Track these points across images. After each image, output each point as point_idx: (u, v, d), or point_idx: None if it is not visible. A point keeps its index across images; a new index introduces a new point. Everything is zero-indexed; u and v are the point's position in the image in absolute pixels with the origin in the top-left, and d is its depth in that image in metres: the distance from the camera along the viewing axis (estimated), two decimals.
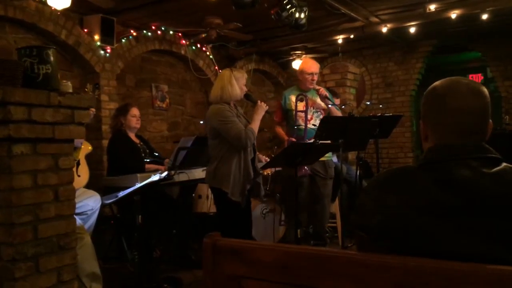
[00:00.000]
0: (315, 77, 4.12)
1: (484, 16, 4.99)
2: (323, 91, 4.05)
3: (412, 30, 5.50)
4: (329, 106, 4.05)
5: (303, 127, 4.04)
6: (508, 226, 1.00)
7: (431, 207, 1.07)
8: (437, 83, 1.22)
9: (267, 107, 3.37)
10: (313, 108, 4.13)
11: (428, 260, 0.97)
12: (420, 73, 7.02)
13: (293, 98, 4.15)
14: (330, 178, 4.17)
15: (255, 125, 3.27)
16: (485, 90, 1.17)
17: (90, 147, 3.75)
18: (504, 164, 1.10)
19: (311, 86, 4.11)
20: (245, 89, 3.34)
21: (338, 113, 4.12)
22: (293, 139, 3.97)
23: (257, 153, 3.55)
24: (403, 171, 1.22)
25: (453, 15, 4.93)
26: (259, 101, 3.36)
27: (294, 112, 4.10)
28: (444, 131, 1.17)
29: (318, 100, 4.09)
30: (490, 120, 1.19)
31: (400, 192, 1.14)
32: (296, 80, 4.41)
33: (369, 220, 1.17)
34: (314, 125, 4.02)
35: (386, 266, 0.99)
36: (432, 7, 4.98)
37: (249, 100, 3.47)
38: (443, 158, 1.13)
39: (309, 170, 4.00)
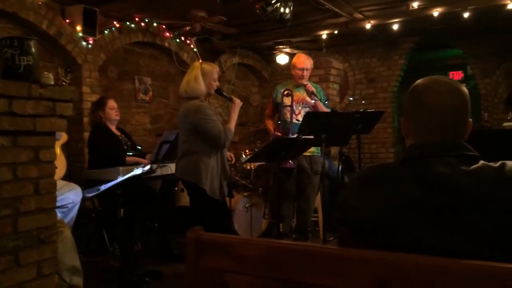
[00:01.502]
0: (305, 73, 4.15)
1: (466, 15, 5.07)
2: (310, 87, 4.08)
3: (395, 27, 5.56)
4: (315, 101, 4.08)
5: (289, 121, 4.07)
6: (482, 223, 1.03)
7: (411, 204, 1.09)
8: (419, 81, 1.24)
9: (241, 103, 3.36)
10: (302, 103, 4.15)
11: (407, 255, 1.00)
12: (402, 70, 7.10)
13: (283, 91, 4.19)
14: (316, 173, 4.20)
15: (233, 124, 3.24)
16: (464, 89, 1.19)
17: (65, 137, 3.69)
18: (481, 162, 1.13)
19: (301, 81, 4.14)
20: (215, 84, 3.26)
21: (325, 109, 4.15)
22: (279, 134, 4.00)
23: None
24: (385, 167, 1.24)
25: (435, 13, 5.00)
26: (233, 98, 3.33)
27: (282, 106, 4.13)
28: (423, 129, 1.19)
29: (307, 96, 4.12)
30: (470, 119, 1.21)
31: (382, 189, 1.16)
32: (281, 75, 4.43)
33: (351, 216, 1.19)
34: (300, 120, 4.05)
35: (367, 261, 1.02)
36: (415, 4, 5.03)
37: (221, 95, 3.40)
38: (423, 155, 1.15)
39: (294, 164, 4.03)
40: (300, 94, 4.13)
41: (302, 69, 4.11)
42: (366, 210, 1.15)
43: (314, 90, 4.09)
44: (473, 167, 1.10)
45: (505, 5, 4.73)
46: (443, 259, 0.95)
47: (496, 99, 6.64)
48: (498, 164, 1.11)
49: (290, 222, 4.39)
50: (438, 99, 1.17)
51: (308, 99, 4.11)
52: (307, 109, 4.15)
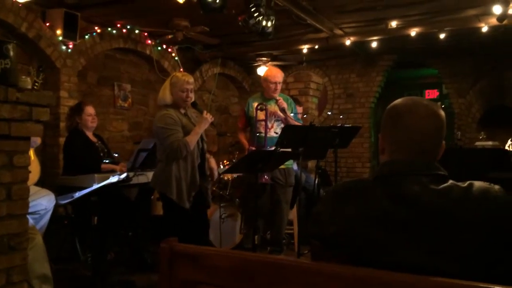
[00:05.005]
0: (279, 86, 4.19)
1: (442, 36, 5.22)
2: (282, 102, 4.12)
3: (374, 44, 5.69)
4: (288, 117, 4.12)
5: (263, 135, 4.09)
6: (449, 240, 1.06)
7: (383, 220, 1.12)
8: (398, 101, 1.27)
9: (212, 119, 3.26)
10: (274, 117, 4.19)
11: (377, 271, 1.02)
12: (380, 86, 7.24)
13: (255, 105, 4.20)
14: (290, 186, 4.23)
15: (192, 138, 3.14)
16: (441, 113, 1.24)
17: (39, 141, 3.63)
18: (450, 181, 1.17)
19: (274, 95, 4.17)
20: (184, 95, 3.20)
21: (296, 123, 4.19)
22: (253, 148, 4.02)
23: (210, 157, 3.49)
24: (358, 183, 1.27)
25: (413, 32, 5.14)
26: (204, 113, 3.25)
27: (255, 120, 4.15)
28: (399, 148, 1.23)
29: (278, 110, 4.16)
30: (444, 142, 1.26)
31: (355, 204, 1.18)
32: (261, 87, 4.46)
33: (324, 230, 1.21)
34: (276, 132, 4.07)
35: (338, 275, 1.04)
36: (394, 23, 5.17)
37: (195, 108, 3.35)
38: (396, 172, 1.19)
39: (270, 179, 4.05)
40: (271, 107, 4.17)
41: (275, 83, 4.15)
42: (339, 225, 1.18)
43: (286, 106, 4.13)
44: (442, 186, 1.14)
45: (480, 28, 4.91)
46: (413, 276, 0.98)
47: (469, 118, 6.83)
48: (466, 184, 1.15)
49: (264, 234, 4.40)
50: (417, 122, 1.21)
51: (279, 112, 4.15)
52: (279, 122, 4.18)
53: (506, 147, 6.29)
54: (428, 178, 1.15)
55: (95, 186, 3.07)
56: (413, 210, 1.10)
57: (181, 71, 3.48)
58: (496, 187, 1.15)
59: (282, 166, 4.00)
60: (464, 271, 1.02)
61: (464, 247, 1.06)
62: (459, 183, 1.16)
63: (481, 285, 0.92)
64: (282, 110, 4.10)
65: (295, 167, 4.42)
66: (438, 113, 1.23)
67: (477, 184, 1.15)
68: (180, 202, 3.12)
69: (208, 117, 3.21)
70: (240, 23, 4.12)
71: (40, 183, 3.58)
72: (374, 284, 0.99)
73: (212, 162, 3.47)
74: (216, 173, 3.49)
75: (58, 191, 3.55)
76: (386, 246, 1.10)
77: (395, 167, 1.20)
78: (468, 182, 1.16)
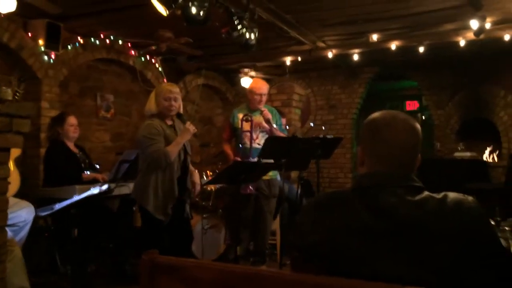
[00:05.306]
0: (264, 98, 4.22)
1: (421, 49, 5.34)
2: (267, 113, 4.15)
3: (356, 57, 5.78)
4: (272, 128, 4.15)
5: (249, 146, 4.11)
6: (424, 251, 1.09)
7: (360, 231, 1.15)
8: (376, 114, 1.31)
9: (195, 130, 3.24)
10: (260, 128, 4.21)
11: (354, 281, 1.04)
12: (362, 98, 7.34)
13: (240, 116, 4.22)
14: (274, 197, 4.24)
15: (173, 148, 3.12)
16: (418, 127, 1.28)
17: (19, 151, 3.58)
18: (426, 192, 1.20)
19: (259, 106, 4.21)
20: (167, 104, 3.20)
21: (280, 134, 4.23)
22: (238, 159, 4.03)
23: (194, 171, 3.47)
24: (338, 194, 1.29)
25: (393, 46, 5.26)
26: (187, 124, 3.23)
27: (240, 131, 4.17)
28: (378, 161, 1.26)
29: (263, 121, 4.19)
30: (420, 155, 1.29)
31: (334, 215, 1.21)
32: (245, 98, 4.48)
33: (304, 241, 1.23)
34: (260, 144, 4.09)
35: (318, 286, 1.06)
36: (375, 37, 5.27)
37: (179, 119, 3.34)
38: (373, 184, 1.22)
39: (255, 189, 4.07)
40: (257, 118, 4.20)
41: (260, 94, 4.19)
42: (319, 235, 1.20)
43: (271, 117, 4.17)
44: (418, 197, 1.17)
45: (457, 41, 5.03)
46: (389, 286, 1.00)
47: (448, 129, 6.96)
48: (441, 195, 1.19)
49: (247, 245, 4.40)
50: (396, 136, 1.24)
51: (264, 124, 4.18)
52: (264, 133, 4.21)
53: (484, 158, 6.43)
54: (404, 189, 1.18)
55: (76, 198, 3.04)
56: (390, 221, 1.13)
57: (166, 82, 3.49)
58: (470, 198, 1.18)
59: (266, 177, 4.02)
60: (441, 282, 1.05)
61: (439, 258, 1.08)
62: (434, 194, 1.19)
63: None
64: (267, 121, 4.13)
65: (279, 178, 4.45)
66: (415, 127, 1.27)
67: (452, 195, 1.18)
68: (155, 213, 3.11)
69: (191, 128, 3.19)
70: (223, 35, 4.16)
71: (20, 194, 3.53)
72: None
73: (196, 176, 3.45)
74: (198, 188, 3.48)
75: (38, 203, 3.50)
76: (364, 257, 1.12)
77: (372, 179, 1.23)
78: (443, 194, 1.19)
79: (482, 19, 4.27)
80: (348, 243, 1.14)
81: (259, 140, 4.17)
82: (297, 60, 6.03)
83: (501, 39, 4.89)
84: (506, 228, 1.88)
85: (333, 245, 1.16)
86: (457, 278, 1.07)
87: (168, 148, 3.12)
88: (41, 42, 4.58)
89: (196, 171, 3.52)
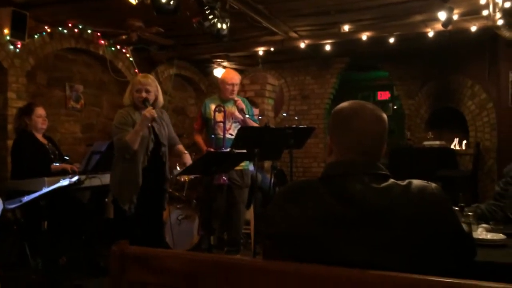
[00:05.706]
0: (236, 88, 4.21)
1: (391, 40, 5.43)
2: (241, 103, 4.15)
3: (328, 47, 5.83)
4: (246, 118, 4.16)
5: (222, 136, 4.11)
6: (389, 236, 1.12)
7: (327, 218, 1.17)
8: (345, 104, 1.33)
9: (154, 114, 3.10)
10: (232, 118, 4.21)
11: (321, 266, 1.07)
12: (334, 88, 7.42)
13: (213, 107, 4.20)
14: (246, 187, 4.26)
15: (131, 136, 3.08)
16: (385, 116, 1.31)
17: None
18: (391, 180, 1.23)
19: (231, 97, 4.20)
20: (137, 94, 3.22)
21: (255, 125, 4.23)
22: (211, 150, 4.02)
23: (185, 153, 3.52)
24: (306, 183, 1.31)
25: (364, 36, 5.32)
26: (147, 109, 3.14)
27: (213, 121, 4.16)
28: (345, 149, 1.28)
29: (237, 111, 4.18)
30: (386, 144, 1.32)
31: (301, 203, 1.23)
32: (218, 88, 4.47)
33: (274, 229, 1.25)
34: (232, 134, 4.09)
35: (284, 273, 1.08)
36: (346, 27, 5.33)
37: (144, 105, 3.26)
38: (340, 173, 1.24)
39: (227, 180, 4.07)
40: (229, 109, 4.20)
41: (232, 84, 4.18)
42: (287, 224, 1.22)
43: (244, 107, 4.17)
44: (383, 185, 1.20)
45: (426, 32, 5.14)
46: (355, 270, 1.03)
47: (418, 119, 7.11)
48: (405, 182, 1.22)
49: (221, 234, 4.41)
50: (364, 125, 1.27)
51: (237, 114, 4.18)
52: (237, 123, 4.22)
53: (452, 147, 6.61)
54: (370, 177, 1.21)
55: (45, 190, 2.98)
56: (356, 208, 1.16)
57: (139, 73, 3.50)
58: (433, 185, 1.22)
59: (238, 167, 4.03)
60: (406, 266, 1.08)
61: (404, 243, 1.12)
62: (399, 182, 1.22)
63: (417, 277, 0.98)
64: (241, 111, 4.13)
65: (251, 168, 4.46)
66: (382, 117, 1.30)
67: (416, 182, 1.22)
68: (120, 202, 3.18)
69: (147, 113, 3.09)
70: (195, 25, 4.12)
71: None
72: (320, 280, 1.04)
73: (187, 158, 3.49)
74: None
75: (6, 196, 3.42)
76: (332, 243, 1.14)
77: (339, 168, 1.26)
78: (407, 181, 1.22)
79: (450, 11, 4.37)
80: (316, 231, 1.17)
81: (232, 131, 4.16)
82: (269, 50, 6.03)
83: (468, 30, 5.01)
84: (470, 214, 1.95)
85: (301, 233, 1.18)
86: (422, 261, 1.11)
87: (127, 137, 3.09)
88: (6, 31, 4.45)
89: (187, 154, 3.56)
